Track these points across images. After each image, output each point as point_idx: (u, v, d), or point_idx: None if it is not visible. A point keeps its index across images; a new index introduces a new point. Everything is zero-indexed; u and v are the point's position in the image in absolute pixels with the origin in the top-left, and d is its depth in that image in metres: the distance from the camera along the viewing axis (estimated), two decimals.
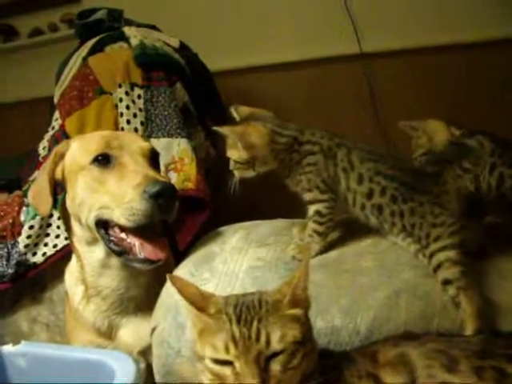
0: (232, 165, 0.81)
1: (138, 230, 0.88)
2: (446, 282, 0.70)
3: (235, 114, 0.84)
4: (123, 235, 0.90)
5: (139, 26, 1.64)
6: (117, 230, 0.91)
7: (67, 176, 0.98)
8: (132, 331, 1.00)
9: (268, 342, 0.52)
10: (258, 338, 0.52)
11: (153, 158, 1.00)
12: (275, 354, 0.52)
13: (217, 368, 0.54)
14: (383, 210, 0.75)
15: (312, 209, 0.79)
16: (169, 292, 0.80)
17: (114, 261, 0.96)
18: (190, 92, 1.54)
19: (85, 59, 1.48)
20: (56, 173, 0.99)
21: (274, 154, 0.78)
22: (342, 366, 0.58)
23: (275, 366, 0.52)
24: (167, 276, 0.63)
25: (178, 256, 1.04)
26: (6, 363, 0.87)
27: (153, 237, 0.89)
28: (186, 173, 1.39)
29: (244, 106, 0.86)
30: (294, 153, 0.79)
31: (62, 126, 1.40)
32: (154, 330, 0.82)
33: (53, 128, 1.42)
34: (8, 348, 0.86)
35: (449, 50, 1.92)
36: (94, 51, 1.50)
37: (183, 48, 1.64)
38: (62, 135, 1.39)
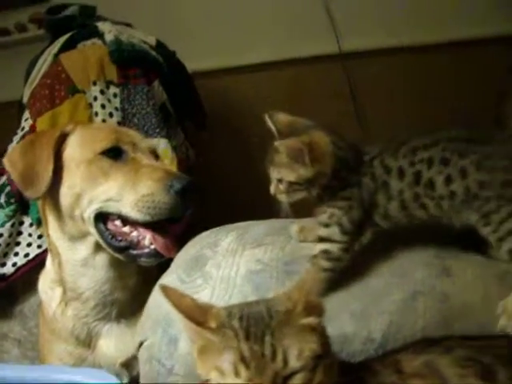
0: (283, 188, 0.65)
1: (149, 225, 0.84)
2: None
3: (270, 123, 0.69)
4: (126, 229, 0.85)
5: (114, 23, 1.55)
6: (118, 223, 0.85)
7: (66, 163, 0.89)
8: (114, 340, 0.92)
9: (285, 360, 0.43)
10: (273, 357, 0.43)
11: (157, 156, 0.98)
12: (294, 373, 0.44)
13: None
14: (435, 184, 0.62)
15: (319, 247, 0.66)
16: (157, 302, 0.70)
17: (100, 259, 0.89)
18: (168, 91, 1.45)
19: (56, 56, 1.38)
20: None
21: (332, 172, 0.64)
22: (365, 380, 0.50)
23: None
24: (158, 287, 0.53)
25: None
26: None
27: (163, 232, 0.85)
28: None
29: (282, 113, 0.70)
30: (336, 180, 0.64)
31: (33, 127, 1.29)
32: (141, 344, 0.71)
33: (22, 129, 1.31)
34: None
35: (429, 49, 1.90)
36: (66, 48, 1.40)
37: (160, 46, 1.55)
38: None
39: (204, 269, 0.72)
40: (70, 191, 0.88)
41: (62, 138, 0.91)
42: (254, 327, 0.45)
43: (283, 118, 0.68)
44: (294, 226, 0.73)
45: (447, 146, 0.61)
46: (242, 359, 0.43)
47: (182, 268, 0.74)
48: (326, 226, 0.64)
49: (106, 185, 0.86)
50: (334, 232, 0.64)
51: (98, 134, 0.92)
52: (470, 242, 0.68)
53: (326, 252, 0.64)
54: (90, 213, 0.87)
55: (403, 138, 0.66)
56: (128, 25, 1.60)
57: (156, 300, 0.71)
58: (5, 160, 0.95)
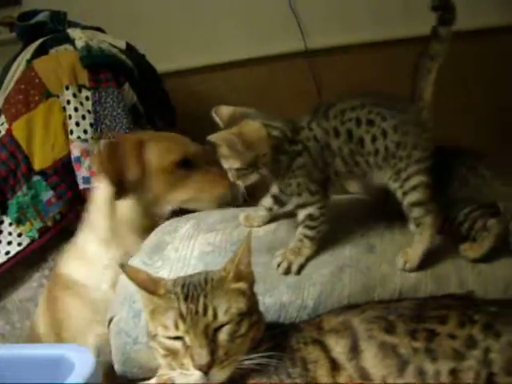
0: (234, 175, 0.75)
1: None
2: (416, 204, 0.73)
3: (216, 117, 0.79)
4: None
5: (84, 28, 1.64)
6: None
7: (146, 167, 1.05)
8: None
9: (215, 315, 0.55)
10: (204, 313, 0.55)
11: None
12: (222, 326, 0.55)
13: (169, 343, 0.57)
14: (364, 142, 0.73)
15: (303, 213, 0.76)
16: (123, 282, 0.81)
17: None
18: (138, 92, 1.55)
19: (29, 62, 1.47)
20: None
21: (272, 150, 0.74)
22: (289, 334, 0.62)
23: (222, 336, 0.55)
24: (119, 265, 0.64)
25: None
26: None
27: None
28: None
29: (224, 106, 0.80)
30: (283, 154, 0.74)
31: (9, 131, 1.39)
32: (110, 320, 0.83)
33: None
34: None
35: (394, 45, 2.00)
36: (38, 54, 1.49)
37: (130, 49, 1.64)
38: (10, 140, 1.37)
39: (163, 252, 0.84)
40: (149, 193, 1.04)
41: (140, 145, 1.07)
42: (192, 291, 0.57)
43: (225, 110, 0.79)
44: (242, 214, 0.85)
45: (372, 110, 0.73)
46: (181, 316, 0.55)
47: (145, 252, 0.86)
48: (298, 194, 0.75)
49: (183, 190, 1.03)
50: (307, 197, 0.75)
51: (170, 145, 1.08)
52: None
53: (309, 215, 0.75)
54: (167, 210, 1.03)
55: (329, 102, 0.78)
56: (98, 29, 1.70)
57: (123, 280, 0.82)
58: (93, 161, 1.16)
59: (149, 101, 1.62)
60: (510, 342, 0.59)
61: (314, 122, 0.76)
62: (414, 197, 0.73)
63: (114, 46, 1.59)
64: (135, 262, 0.86)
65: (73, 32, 1.51)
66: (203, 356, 0.53)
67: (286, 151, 0.75)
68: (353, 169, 0.75)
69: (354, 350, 0.59)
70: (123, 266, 0.63)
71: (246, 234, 0.62)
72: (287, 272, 0.75)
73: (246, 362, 0.56)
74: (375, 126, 0.72)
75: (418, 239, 0.74)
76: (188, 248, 0.81)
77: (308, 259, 0.76)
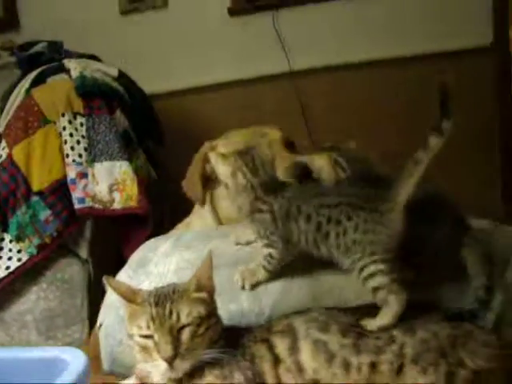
0: None
1: None
2: (376, 289, 0.81)
3: None
4: None
5: (79, 56, 1.82)
6: None
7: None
8: None
9: (178, 318, 0.71)
10: (170, 316, 0.71)
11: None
12: (184, 326, 0.72)
13: (142, 341, 0.73)
14: (329, 236, 0.84)
15: (264, 251, 0.90)
16: (111, 292, 0.98)
17: None
18: (129, 117, 1.73)
19: (28, 91, 1.65)
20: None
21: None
22: (242, 334, 0.79)
23: (184, 335, 0.72)
24: (103, 278, 0.81)
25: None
26: None
27: None
28: (128, 192, 1.59)
29: None
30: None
31: (10, 155, 1.56)
32: (100, 326, 0.99)
33: (0, 156, 1.58)
34: None
35: (378, 65, 2.19)
36: (36, 83, 1.67)
37: (122, 76, 1.82)
38: (10, 164, 1.55)
39: (147, 267, 1.01)
40: (222, 199, 1.17)
41: (206, 156, 1.19)
42: (162, 299, 0.73)
43: None
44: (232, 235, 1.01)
45: (343, 209, 0.84)
46: (152, 318, 0.71)
47: (130, 267, 1.03)
48: (261, 237, 0.88)
49: None
50: (268, 241, 0.88)
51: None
52: None
53: (269, 255, 0.90)
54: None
55: (316, 190, 0.90)
56: (92, 56, 1.88)
57: (111, 291, 0.98)
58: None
59: (139, 124, 1.80)
60: (421, 339, 0.75)
61: (289, 193, 0.88)
62: (372, 283, 0.82)
63: (107, 74, 1.77)
64: (122, 274, 1.03)
65: (68, 62, 1.69)
66: (168, 350, 0.70)
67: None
68: (313, 250, 0.87)
69: (294, 347, 0.75)
70: (107, 279, 0.80)
71: (207, 253, 0.79)
72: (242, 288, 0.91)
73: (204, 357, 0.72)
74: (341, 226, 0.84)
75: (382, 314, 0.81)
76: (166, 264, 0.98)
77: (260, 283, 0.90)
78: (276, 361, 0.75)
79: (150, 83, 2.00)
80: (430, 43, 2.18)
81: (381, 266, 0.81)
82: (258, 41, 2.25)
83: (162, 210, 1.78)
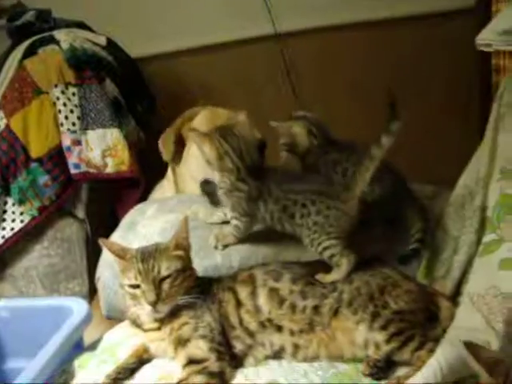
0: None
1: None
2: (331, 257, 0.98)
3: None
4: None
5: (68, 25, 1.95)
6: None
7: None
8: None
9: (159, 271, 0.92)
10: (152, 269, 0.92)
11: None
12: (164, 278, 0.93)
13: (131, 290, 0.94)
14: (295, 216, 1.00)
15: (232, 222, 1.08)
16: (106, 252, 1.19)
17: None
18: (118, 85, 1.87)
19: (21, 62, 1.78)
20: None
21: None
22: (212, 283, 1.00)
23: (165, 285, 0.92)
24: (99, 241, 1.01)
25: None
26: None
27: None
28: (120, 157, 1.76)
29: None
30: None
31: (8, 125, 1.71)
32: (98, 279, 1.21)
33: None
34: None
35: (362, 27, 2.27)
36: (28, 54, 1.80)
37: (110, 44, 1.95)
38: (9, 133, 1.70)
39: (135, 229, 1.21)
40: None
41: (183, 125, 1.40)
42: (146, 256, 0.93)
43: None
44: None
45: (306, 196, 1.01)
46: (139, 271, 0.92)
47: (121, 229, 1.24)
48: (232, 210, 1.07)
49: None
50: (236, 214, 1.06)
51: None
52: None
53: (236, 226, 1.09)
54: None
55: (286, 177, 1.06)
56: (80, 24, 2.00)
57: (105, 250, 1.19)
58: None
59: (129, 91, 1.95)
60: (356, 287, 0.96)
61: (265, 177, 1.04)
62: (326, 254, 0.99)
63: (96, 44, 1.91)
64: (115, 235, 1.24)
65: (58, 34, 1.81)
66: (152, 296, 0.91)
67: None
68: (277, 226, 1.05)
69: (253, 294, 0.96)
70: (102, 240, 1.00)
71: (183, 217, 0.99)
72: (215, 248, 1.11)
73: (181, 301, 0.93)
74: (305, 208, 1.00)
75: (335, 272, 0.98)
76: (151, 226, 1.18)
77: (231, 245, 1.10)
78: (238, 304, 0.96)
79: (137, 46, 2.07)
80: (417, 4, 2.25)
81: (334, 242, 0.99)
82: (244, 2, 2.33)
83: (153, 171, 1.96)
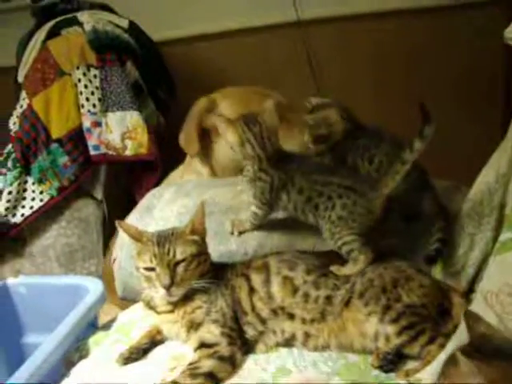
0: None
1: None
2: (348, 252, 0.99)
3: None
4: None
5: (91, 6, 1.97)
6: None
7: None
8: None
9: (174, 255, 0.94)
10: (168, 253, 0.94)
11: None
12: (179, 262, 0.94)
13: (147, 273, 0.96)
14: (319, 208, 1.01)
15: (251, 209, 1.09)
16: (122, 234, 1.20)
17: None
18: (139, 68, 1.89)
19: (44, 43, 1.81)
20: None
21: None
22: (226, 269, 1.01)
23: (179, 269, 0.94)
24: (116, 223, 1.03)
25: None
26: (11, 292, 1.29)
27: None
28: (139, 140, 1.79)
29: None
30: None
31: (30, 105, 1.74)
32: (114, 260, 1.23)
33: (21, 106, 1.76)
34: (11, 280, 1.28)
35: (387, 17, 2.24)
36: (51, 35, 1.83)
37: (132, 27, 1.97)
38: (31, 113, 1.74)
39: (152, 212, 1.23)
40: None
41: (204, 111, 1.39)
42: (162, 239, 0.95)
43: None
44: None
45: (333, 189, 1.01)
46: (154, 255, 0.94)
47: (138, 211, 1.26)
48: (254, 197, 1.07)
49: None
50: (257, 202, 1.07)
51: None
52: None
53: (254, 213, 1.10)
54: None
55: (313, 167, 1.06)
56: (104, 6, 2.02)
57: (122, 232, 1.21)
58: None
59: (150, 75, 1.97)
60: (369, 279, 0.96)
61: (289, 167, 1.04)
62: (345, 249, 1.00)
63: (118, 26, 1.92)
64: (132, 217, 1.26)
65: (81, 16, 1.83)
66: (166, 279, 0.92)
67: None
68: (300, 216, 1.05)
69: (267, 281, 0.98)
70: (119, 223, 1.02)
71: (200, 202, 1.00)
72: (231, 233, 1.12)
73: (195, 285, 0.95)
74: (331, 201, 1.01)
75: (350, 266, 0.99)
76: (169, 209, 1.20)
77: (246, 232, 1.11)
78: (252, 291, 0.98)
79: (157, 30, 2.09)
80: None
81: (355, 237, 0.99)
82: None
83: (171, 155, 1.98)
